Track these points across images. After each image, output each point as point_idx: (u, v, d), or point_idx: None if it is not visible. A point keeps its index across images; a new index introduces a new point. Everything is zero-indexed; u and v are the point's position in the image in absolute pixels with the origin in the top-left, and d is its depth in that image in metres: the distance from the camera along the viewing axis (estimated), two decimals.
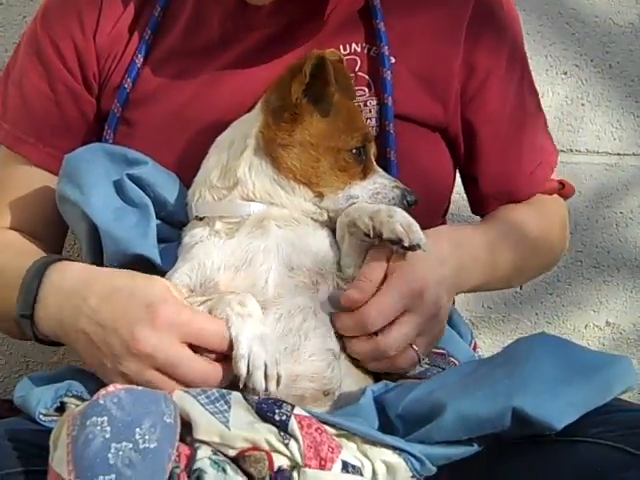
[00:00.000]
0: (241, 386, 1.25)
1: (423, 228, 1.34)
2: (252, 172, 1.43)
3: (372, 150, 1.47)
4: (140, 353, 1.26)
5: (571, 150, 2.30)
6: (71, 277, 1.38)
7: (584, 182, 2.31)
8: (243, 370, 1.23)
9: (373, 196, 1.42)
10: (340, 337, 1.36)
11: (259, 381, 1.23)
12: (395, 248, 1.34)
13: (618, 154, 2.31)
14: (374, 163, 1.46)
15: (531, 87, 1.78)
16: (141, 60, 1.63)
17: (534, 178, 1.74)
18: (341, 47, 1.60)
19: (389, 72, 1.58)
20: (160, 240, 1.47)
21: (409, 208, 1.41)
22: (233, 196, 1.43)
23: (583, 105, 2.28)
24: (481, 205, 1.75)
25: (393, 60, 1.61)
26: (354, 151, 1.42)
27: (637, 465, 1.15)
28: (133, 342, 1.26)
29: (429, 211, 1.61)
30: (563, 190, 1.80)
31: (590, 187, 2.32)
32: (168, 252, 1.46)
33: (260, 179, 1.42)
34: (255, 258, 1.37)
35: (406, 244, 1.30)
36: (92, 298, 1.32)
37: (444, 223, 1.77)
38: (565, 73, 2.27)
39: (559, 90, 2.27)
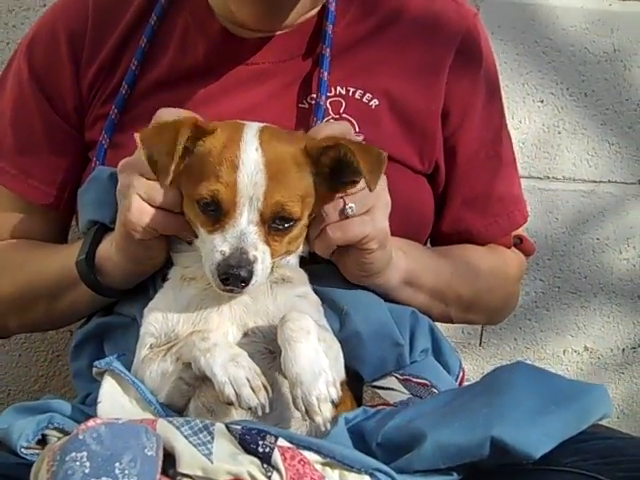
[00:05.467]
0: (237, 415, 1.28)
1: None
2: None
3: (236, 206, 1.33)
4: None
5: (548, 177, 2.33)
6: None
7: (561, 209, 2.34)
8: (232, 394, 1.24)
9: (204, 254, 1.36)
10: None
11: (250, 397, 1.24)
12: None
13: (594, 181, 2.34)
14: (236, 221, 1.33)
15: (507, 133, 1.82)
16: (127, 90, 1.65)
17: (496, 226, 1.76)
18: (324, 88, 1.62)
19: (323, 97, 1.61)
20: None
21: (227, 283, 1.31)
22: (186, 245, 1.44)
23: (559, 133, 2.31)
24: (439, 241, 1.77)
25: (377, 102, 1.64)
26: (201, 203, 1.34)
27: None
28: None
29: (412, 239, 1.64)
30: (521, 245, 1.82)
31: (567, 214, 2.35)
32: None
33: None
34: (210, 319, 1.38)
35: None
36: None
37: None
38: (542, 101, 2.30)
39: (535, 118, 2.30)
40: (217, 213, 1.33)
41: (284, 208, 1.34)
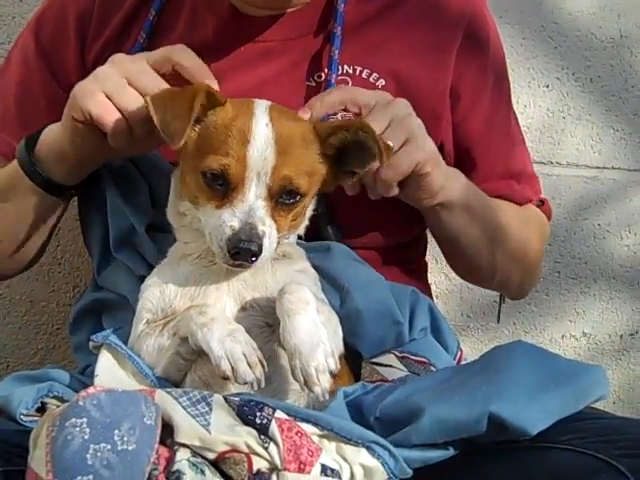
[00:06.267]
0: (234, 388, 1.28)
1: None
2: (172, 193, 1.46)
3: (245, 181, 1.32)
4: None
5: (551, 162, 2.33)
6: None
7: (563, 194, 2.34)
8: (228, 369, 1.25)
9: (210, 229, 1.34)
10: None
11: (246, 372, 1.24)
12: None
13: (597, 167, 2.34)
14: (245, 195, 1.32)
15: (515, 114, 1.85)
16: None
17: (518, 193, 1.79)
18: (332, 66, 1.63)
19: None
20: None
21: (237, 257, 1.31)
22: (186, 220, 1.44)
23: (564, 118, 2.31)
24: None
25: (383, 82, 1.65)
26: (208, 175, 1.33)
27: (606, 471, 1.18)
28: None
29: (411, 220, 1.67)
30: (543, 207, 1.86)
31: (569, 199, 2.35)
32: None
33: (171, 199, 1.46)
34: (208, 294, 1.38)
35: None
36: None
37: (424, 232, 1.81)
38: (547, 86, 2.30)
39: (541, 103, 2.30)
40: (224, 187, 1.33)
41: (292, 182, 1.34)
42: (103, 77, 1.44)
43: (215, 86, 1.44)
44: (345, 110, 1.50)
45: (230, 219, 1.31)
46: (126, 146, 1.46)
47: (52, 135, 1.54)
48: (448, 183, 1.54)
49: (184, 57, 1.46)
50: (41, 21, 1.76)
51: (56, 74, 1.73)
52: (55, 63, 1.73)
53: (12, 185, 1.60)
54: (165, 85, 1.43)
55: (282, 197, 1.35)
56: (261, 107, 1.37)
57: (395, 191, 1.49)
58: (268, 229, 1.32)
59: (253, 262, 1.31)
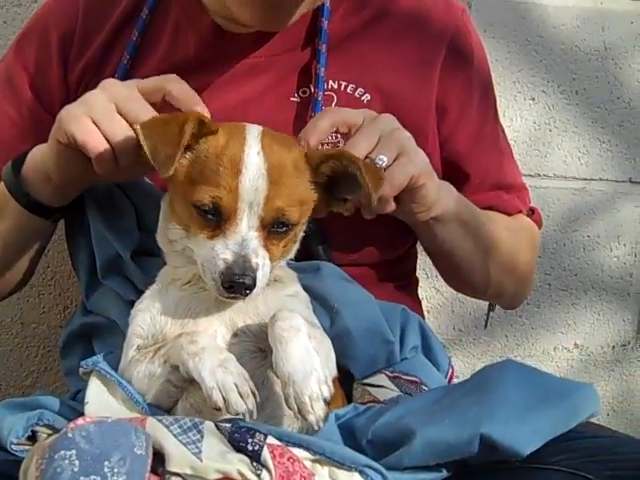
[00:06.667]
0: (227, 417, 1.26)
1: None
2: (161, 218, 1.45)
3: (237, 212, 1.31)
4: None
5: (539, 175, 2.33)
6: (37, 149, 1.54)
7: (552, 206, 2.34)
8: (219, 400, 1.24)
9: (203, 261, 1.33)
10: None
11: (237, 402, 1.24)
12: None
13: (585, 179, 2.35)
14: (237, 226, 1.31)
15: (501, 126, 1.86)
16: None
17: (508, 204, 1.80)
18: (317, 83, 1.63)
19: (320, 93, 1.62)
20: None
21: (231, 290, 1.30)
22: (176, 246, 1.42)
23: (550, 131, 2.32)
24: None
25: (369, 97, 1.65)
26: (199, 207, 1.32)
27: None
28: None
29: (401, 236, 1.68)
30: (534, 216, 1.87)
31: (558, 211, 2.35)
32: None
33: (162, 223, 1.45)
34: (198, 320, 1.37)
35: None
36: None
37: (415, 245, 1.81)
38: (533, 99, 2.31)
39: (527, 116, 2.31)
40: (217, 218, 1.32)
41: (284, 214, 1.33)
42: (91, 102, 1.44)
43: (207, 115, 1.42)
44: (336, 131, 1.50)
45: (223, 251, 1.30)
46: (111, 173, 1.46)
47: (39, 155, 1.53)
48: (441, 196, 1.54)
49: (176, 87, 1.45)
50: (23, 43, 1.75)
51: (40, 96, 1.72)
52: (39, 84, 1.72)
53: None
54: (154, 114, 1.42)
55: (274, 227, 1.34)
56: (253, 134, 1.36)
57: (392, 206, 1.49)
58: (261, 260, 1.31)
59: (247, 295, 1.31)
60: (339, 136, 1.56)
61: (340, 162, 1.37)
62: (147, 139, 1.33)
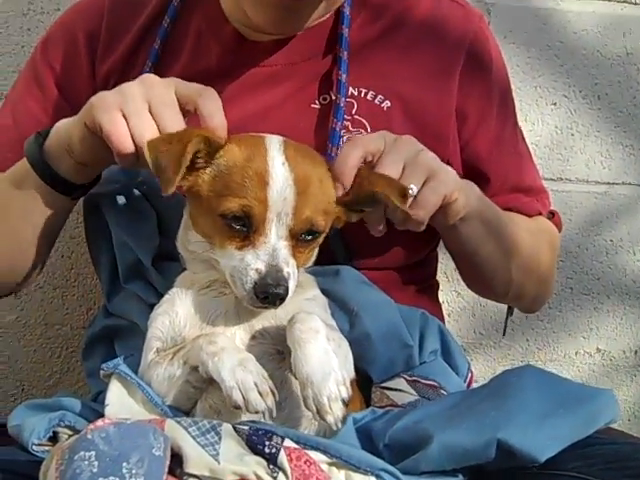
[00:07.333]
0: (245, 416, 1.27)
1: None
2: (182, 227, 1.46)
3: (266, 222, 1.32)
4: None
5: (561, 179, 2.33)
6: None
7: (574, 210, 2.34)
8: (239, 399, 1.25)
9: (232, 272, 1.33)
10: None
11: (257, 401, 1.24)
12: None
13: (607, 183, 2.34)
14: (267, 237, 1.32)
15: (520, 130, 1.85)
16: None
17: (528, 206, 1.81)
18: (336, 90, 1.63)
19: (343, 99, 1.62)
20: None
21: (265, 301, 1.30)
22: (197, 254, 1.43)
23: (572, 135, 2.31)
24: None
25: (389, 104, 1.65)
26: (229, 217, 1.32)
27: None
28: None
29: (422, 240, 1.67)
30: (554, 219, 1.86)
31: (580, 215, 2.35)
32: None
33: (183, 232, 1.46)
34: (217, 323, 1.38)
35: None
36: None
37: (435, 249, 1.81)
38: (554, 104, 2.30)
39: (549, 120, 2.30)
40: (246, 229, 1.32)
41: (312, 222, 1.34)
42: (127, 94, 1.41)
43: (223, 136, 1.40)
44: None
45: (254, 262, 1.31)
46: (132, 166, 1.45)
47: (63, 129, 1.51)
48: (468, 199, 1.54)
49: (206, 104, 1.41)
50: (49, 43, 1.77)
51: (67, 94, 1.73)
52: (66, 82, 1.74)
53: (18, 183, 1.58)
54: (182, 126, 1.40)
55: (302, 236, 1.35)
56: (275, 145, 1.36)
57: (424, 226, 1.49)
58: (292, 269, 1.32)
59: (280, 304, 1.32)
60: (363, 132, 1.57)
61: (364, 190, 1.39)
62: (152, 157, 1.34)
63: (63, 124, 1.52)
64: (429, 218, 1.47)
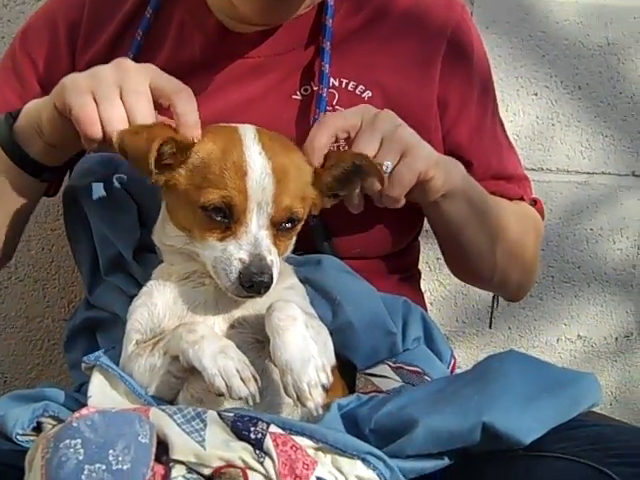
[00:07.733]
0: (227, 404, 1.28)
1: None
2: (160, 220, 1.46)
3: (247, 212, 1.32)
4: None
5: (542, 169, 2.34)
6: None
7: (555, 200, 2.35)
8: (222, 386, 1.25)
9: (215, 263, 1.33)
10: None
11: (240, 388, 1.25)
12: None
13: (588, 173, 2.35)
14: (248, 227, 1.32)
15: (500, 119, 1.86)
16: None
17: (512, 191, 1.81)
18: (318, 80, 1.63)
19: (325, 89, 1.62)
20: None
21: (251, 290, 1.31)
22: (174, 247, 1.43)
23: (553, 125, 2.32)
24: None
25: (370, 94, 1.66)
26: (209, 209, 1.32)
27: (598, 478, 1.19)
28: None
29: (403, 229, 1.69)
30: (537, 206, 1.87)
31: (561, 205, 2.36)
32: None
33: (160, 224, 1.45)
34: (196, 312, 1.38)
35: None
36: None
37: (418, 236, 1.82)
38: (536, 94, 2.31)
39: (530, 110, 2.31)
40: (227, 219, 1.33)
41: (293, 211, 1.35)
42: (99, 78, 1.39)
43: (196, 135, 1.38)
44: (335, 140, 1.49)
45: (237, 252, 1.31)
46: (99, 149, 1.44)
47: (33, 109, 1.51)
48: (449, 176, 1.54)
49: (181, 105, 1.39)
50: (29, 34, 1.76)
51: (45, 86, 1.70)
52: (45, 74, 1.72)
53: None
54: (151, 119, 1.39)
55: (282, 224, 1.35)
56: (249, 135, 1.37)
57: (402, 203, 1.50)
58: (274, 257, 1.33)
59: (265, 292, 1.32)
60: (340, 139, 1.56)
61: (343, 164, 1.40)
62: (121, 149, 1.34)
63: (33, 104, 1.52)
64: (407, 194, 1.49)
